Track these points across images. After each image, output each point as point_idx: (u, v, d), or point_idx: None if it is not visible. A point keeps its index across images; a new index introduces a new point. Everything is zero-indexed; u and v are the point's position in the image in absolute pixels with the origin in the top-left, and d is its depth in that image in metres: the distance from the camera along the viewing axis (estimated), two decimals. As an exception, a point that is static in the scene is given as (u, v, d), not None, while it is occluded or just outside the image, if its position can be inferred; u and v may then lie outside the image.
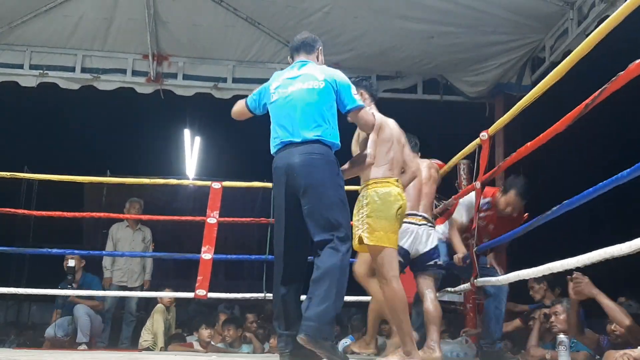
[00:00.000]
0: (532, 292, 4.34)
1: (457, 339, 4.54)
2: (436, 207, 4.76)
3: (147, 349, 5.73)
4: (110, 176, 8.39)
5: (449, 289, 4.07)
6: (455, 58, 6.13)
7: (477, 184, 3.57)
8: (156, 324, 5.83)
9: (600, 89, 2.36)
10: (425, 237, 3.77)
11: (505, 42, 5.80)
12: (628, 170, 2.05)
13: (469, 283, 3.56)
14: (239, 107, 3.31)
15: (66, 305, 5.66)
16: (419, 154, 4.03)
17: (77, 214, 5.26)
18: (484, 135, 3.62)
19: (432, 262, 3.76)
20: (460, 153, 4.10)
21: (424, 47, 5.95)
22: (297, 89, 3.08)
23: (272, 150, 3.07)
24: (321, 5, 5.52)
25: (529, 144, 2.97)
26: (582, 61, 2.66)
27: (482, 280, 3.44)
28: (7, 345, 6.70)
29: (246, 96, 3.38)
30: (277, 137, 3.03)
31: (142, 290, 6.20)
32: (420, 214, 3.81)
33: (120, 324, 6.27)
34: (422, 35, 5.76)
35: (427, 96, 6.61)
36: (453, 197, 4.36)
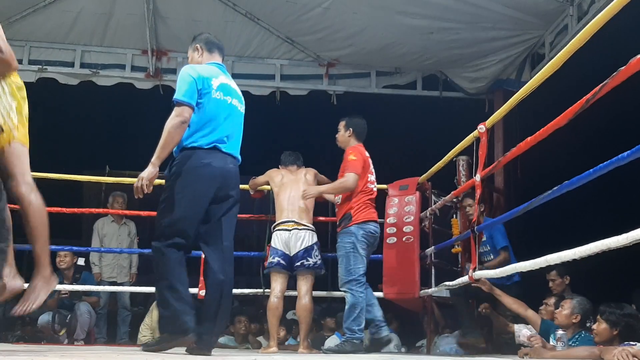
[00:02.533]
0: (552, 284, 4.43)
1: (454, 333, 4.55)
2: (435, 204, 4.77)
3: (146, 344, 5.71)
4: (109, 171, 8.37)
5: (446, 282, 4.04)
6: (455, 54, 6.12)
7: (477, 177, 3.54)
8: (155, 320, 5.82)
9: (601, 84, 2.34)
10: (294, 240, 4.35)
11: (505, 38, 5.79)
12: (628, 152, 2.04)
13: (467, 276, 3.54)
14: (183, 126, 2.94)
15: (66, 302, 5.63)
16: (298, 166, 4.68)
17: (75, 210, 5.25)
18: (481, 127, 3.58)
19: (299, 263, 4.33)
20: (457, 146, 4.07)
21: (424, 43, 5.94)
22: (235, 107, 3.13)
23: (203, 143, 2.99)
24: (321, 1, 5.51)
25: (529, 138, 2.94)
26: (581, 56, 2.65)
27: (481, 274, 3.42)
28: (9, 340, 6.68)
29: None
30: (216, 135, 3.02)
31: (130, 284, 6.19)
32: (291, 219, 4.42)
33: (116, 319, 6.25)
34: (422, 31, 5.75)
35: (426, 92, 6.60)
36: (452, 192, 4.35)
